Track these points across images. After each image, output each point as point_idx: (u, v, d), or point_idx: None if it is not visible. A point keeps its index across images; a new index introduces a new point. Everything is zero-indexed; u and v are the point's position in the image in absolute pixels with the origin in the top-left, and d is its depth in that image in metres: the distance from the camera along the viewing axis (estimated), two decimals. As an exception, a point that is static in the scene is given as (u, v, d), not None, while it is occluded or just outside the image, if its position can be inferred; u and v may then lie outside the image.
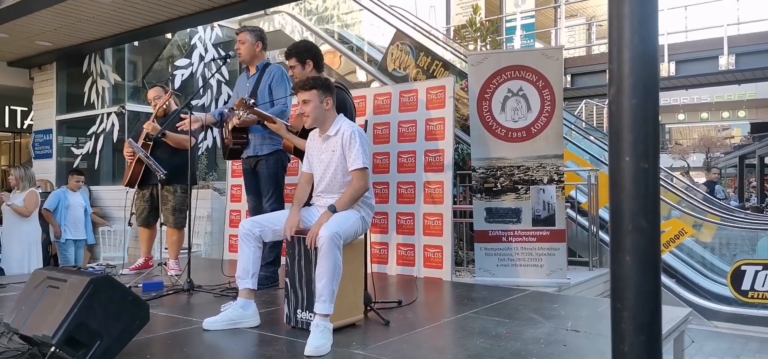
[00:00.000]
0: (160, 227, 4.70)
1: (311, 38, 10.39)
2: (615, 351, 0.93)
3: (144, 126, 4.63)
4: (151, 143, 4.58)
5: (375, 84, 8.59)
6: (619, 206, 0.90)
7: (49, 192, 8.16)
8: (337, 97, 3.63)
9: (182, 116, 4.22)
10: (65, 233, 7.02)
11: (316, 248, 2.78)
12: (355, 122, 3.84)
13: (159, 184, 4.60)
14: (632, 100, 0.86)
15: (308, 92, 3.01)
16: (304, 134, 3.75)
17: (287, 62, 3.96)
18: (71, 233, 7.05)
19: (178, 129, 4.36)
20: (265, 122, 3.83)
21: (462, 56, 8.72)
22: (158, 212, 4.71)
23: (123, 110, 8.33)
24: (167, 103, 4.75)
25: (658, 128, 0.90)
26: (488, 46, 10.19)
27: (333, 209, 2.92)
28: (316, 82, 3.05)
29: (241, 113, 3.71)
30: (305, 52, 3.93)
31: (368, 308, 3.19)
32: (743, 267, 6.50)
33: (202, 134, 8.27)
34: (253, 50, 4.20)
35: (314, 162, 3.17)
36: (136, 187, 4.70)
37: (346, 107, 3.71)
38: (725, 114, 24.31)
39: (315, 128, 3.13)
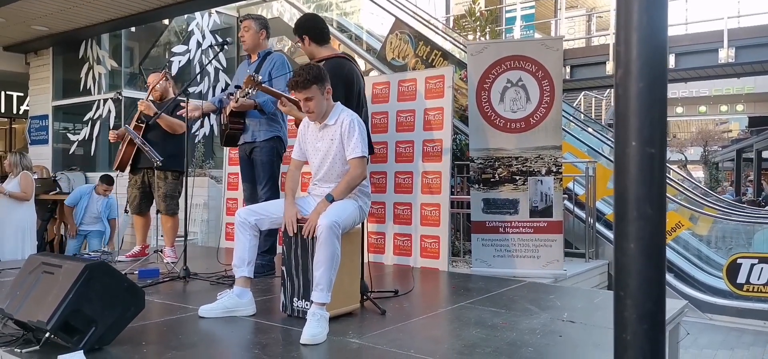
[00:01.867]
0: (157, 214, 4.68)
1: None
2: (617, 340, 0.92)
3: (138, 104, 4.57)
4: (144, 126, 4.53)
5: (374, 73, 8.55)
6: (624, 192, 0.87)
7: (45, 178, 8.11)
8: (344, 68, 3.59)
9: (182, 104, 4.19)
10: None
11: (314, 237, 2.76)
12: (362, 92, 3.79)
13: (150, 170, 4.57)
14: (640, 83, 0.84)
15: (308, 89, 2.92)
16: None
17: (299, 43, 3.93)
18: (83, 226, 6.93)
19: (178, 114, 4.33)
20: (278, 104, 3.75)
21: (461, 46, 8.68)
22: (151, 199, 4.69)
23: (119, 96, 8.28)
24: (164, 87, 4.71)
25: (666, 112, 0.88)
26: (487, 36, 10.15)
27: (330, 199, 2.91)
28: (313, 77, 2.94)
29: (250, 91, 3.62)
30: (298, 29, 3.83)
31: (364, 297, 3.19)
32: (739, 260, 6.53)
33: (199, 122, 8.24)
34: (257, 38, 4.17)
35: (309, 150, 3.13)
36: (126, 171, 4.66)
37: (353, 77, 3.64)
38: (723, 108, 24.32)
39: (319, 120, 3.07)
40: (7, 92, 11.59)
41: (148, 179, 4.65)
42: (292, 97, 3.63)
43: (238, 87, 3.96)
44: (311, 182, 3.19)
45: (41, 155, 9.13)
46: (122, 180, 4.79)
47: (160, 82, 4.68)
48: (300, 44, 3.83)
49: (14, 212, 6.05)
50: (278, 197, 3.94)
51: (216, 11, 9.17)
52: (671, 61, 10.67)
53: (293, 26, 3.88)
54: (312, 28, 3.80)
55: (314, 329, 2.58)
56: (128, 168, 4.66)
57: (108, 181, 6.91)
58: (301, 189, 3.54)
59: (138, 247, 4.82)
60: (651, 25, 0.83)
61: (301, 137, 3.18)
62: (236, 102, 3.88)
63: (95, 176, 8.59)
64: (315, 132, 3.10)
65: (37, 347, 2.31)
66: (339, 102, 3.14)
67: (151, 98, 4.70)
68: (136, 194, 4.72)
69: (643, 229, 0.86)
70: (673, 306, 3.40)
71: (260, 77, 3.67)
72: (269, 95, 3.72)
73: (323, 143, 3.05)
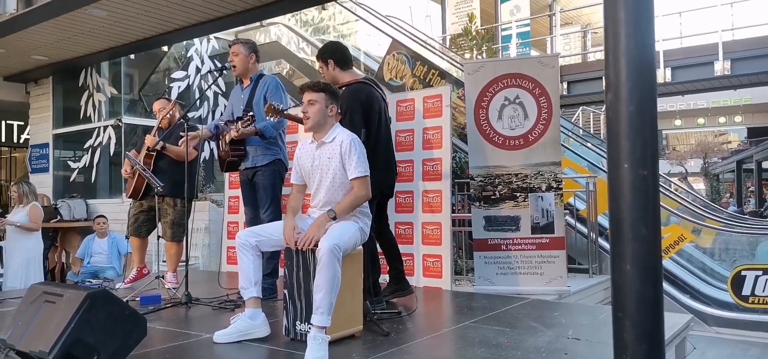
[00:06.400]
0: (158, 240, 4.67)
1: (307, 49, 10.41)
2: (617, 361, 0.91)
3: (145, 138, 4.62)
4: (154, 154, 4.57)
5: (372, 94, 8.57)
6: (619, 214, 0.88)
7: (46, 206, 8.12)
8: (362, 93, 3.65)
9: (181, 133, 4.21)
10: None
11: (311, 251, 2.77)
12: (384, 113, 3.81)
13: (159, 197, 4.57)
14: (629, 106, 0.85)
15: (317, 93, 3.03)
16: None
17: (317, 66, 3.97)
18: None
19: (179, 143, 4.35)
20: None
21: (458, 65, 8.73)
22: (154, 224, 4.68)
23: (119, 123, 8.32)
24: (171, 113, 4.73)
25: (656, 133, 0.89)
26: (484, 55, 10.22)
27: (333, 214, 2.91)
28: (325, 86, 3.10)
29: (270, 118, 3.68)
30: (324, 53, 3.85)
31: (367, 319, 3.17)
32: (743, 272, 6.49)
33: (206, 146, 8.27)
34: (246, 62, 4.20)
35: (308, 171, 3.14)
36: (138, 199, 4.68)
37: (371, 101, 3.67)
38: (722, 119, 24.39)
39: (312, 131, 3.11)
40: (8, 122, 11.65)
41: (157, 204, 4.66)
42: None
43: (239, 118, 4.00)
44: (311, 202, 3.19)
45: (42, 183, 9.13)
46: (123, 207, 4.79)
47: (169, 110, 4.68)
48: (322, 69, 3.85)
49: (21, 242, 6.06)
50: (280, 220, 3.94)
51: (214, 37, 9.25)
52: (667, 74, 10.74)
53: (318, 52, 3.91)
54: (337, 51, 3.87)
55: (317, 352, 2.57)
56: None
57: (99, 214, 7.07)
58: (301, 211, 3.54)
59: (135, 270, 4.80)
60: (638, 49, 0.84)
61: (297, 161, 3.20)
62: (238, 132, 3.90)
63: (96, 203, 8.61)
64: (311, 151, 3.12)
65: (39, 378, 2.29)
66: (338, 123, 3.16)
67: (160, 125, 4.71)
68: (140, 217, 4.71)
69: (638, 250, 0.86)
70: (678, 320, 3.38)
71: (282, 106, 3.71)
72: (291, 120, 3.78)
73: (321, 161, 3.07)
